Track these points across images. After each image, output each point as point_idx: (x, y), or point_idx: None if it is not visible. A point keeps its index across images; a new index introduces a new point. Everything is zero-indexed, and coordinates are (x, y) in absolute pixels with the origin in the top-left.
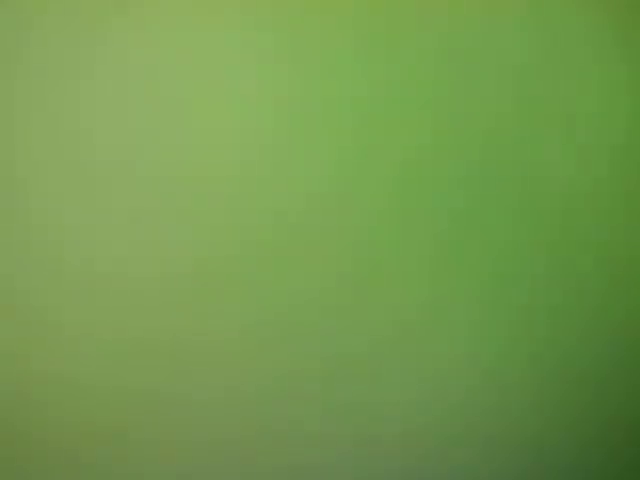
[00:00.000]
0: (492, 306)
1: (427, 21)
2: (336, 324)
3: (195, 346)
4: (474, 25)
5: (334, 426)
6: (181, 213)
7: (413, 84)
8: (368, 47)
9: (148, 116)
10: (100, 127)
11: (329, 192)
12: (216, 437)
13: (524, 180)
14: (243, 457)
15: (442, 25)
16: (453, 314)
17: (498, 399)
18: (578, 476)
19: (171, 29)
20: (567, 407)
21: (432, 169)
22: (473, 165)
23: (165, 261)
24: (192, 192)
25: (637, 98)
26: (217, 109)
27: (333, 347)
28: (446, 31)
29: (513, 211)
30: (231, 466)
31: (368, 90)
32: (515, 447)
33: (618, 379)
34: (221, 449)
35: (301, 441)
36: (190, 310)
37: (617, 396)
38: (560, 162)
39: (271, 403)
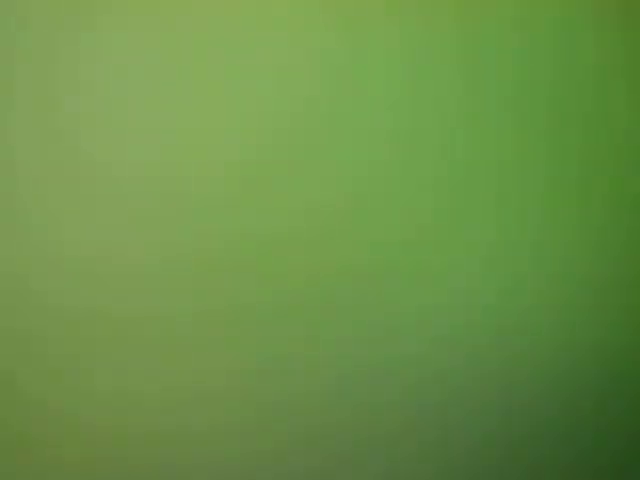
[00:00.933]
0: (498, 236)
1: (459, 22)
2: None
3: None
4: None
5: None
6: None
7: (435, 83)
8: (395, 45)
9: (152, 108)
10: (107, 115)
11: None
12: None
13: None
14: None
15: (463, 26)
16: (458, 239)
17: (497, 334)
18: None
19: (174, 28)
20: (572, 336)
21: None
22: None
23: (168, 252)
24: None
25: (636, 98)
26: (232, 107)
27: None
28: (458, 31)
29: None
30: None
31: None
32: (517, 380)
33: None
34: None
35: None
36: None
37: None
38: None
39: (284, 322)
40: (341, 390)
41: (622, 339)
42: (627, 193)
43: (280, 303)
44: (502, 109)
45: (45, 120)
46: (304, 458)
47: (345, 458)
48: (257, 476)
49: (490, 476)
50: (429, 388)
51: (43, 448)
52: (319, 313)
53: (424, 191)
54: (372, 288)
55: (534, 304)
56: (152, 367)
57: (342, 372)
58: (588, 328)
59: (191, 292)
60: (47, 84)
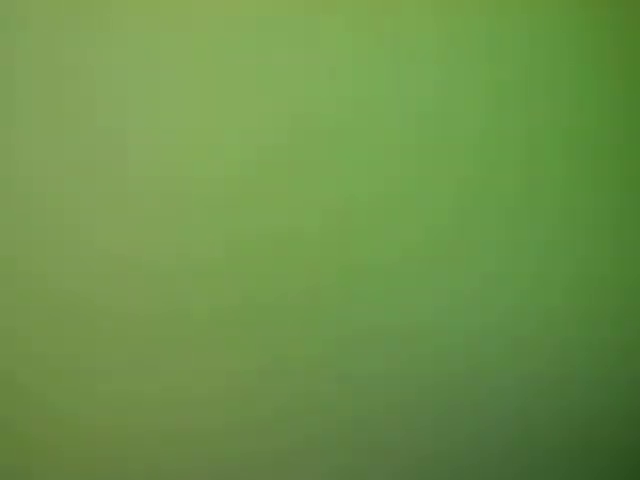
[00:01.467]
0: (523, 226)
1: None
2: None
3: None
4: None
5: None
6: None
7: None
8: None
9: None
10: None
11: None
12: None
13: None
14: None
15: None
16: (481, 234)
17: (513, 340)
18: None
19: (177, 27)
20: (593, 328)
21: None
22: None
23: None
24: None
25: (635, 104)
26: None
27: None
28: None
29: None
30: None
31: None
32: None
33: None
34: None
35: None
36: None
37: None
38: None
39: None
40: (350, 392)
41: None
42: None
43: (286, 303)
44: (518, 111)
45: (48, 119)
46: (307, 459)
47: (349, 460)
48: (259, 477)
49: None
50: (440, 392)
51: (44, 448)
52: (324, 313)
53: (438, 191)
54: (382, 289)
55: (552, 306)
56: (152, 366)
57: (351, 373)
58: (610, 330)
59: (195, 292)
60: (49, 84)
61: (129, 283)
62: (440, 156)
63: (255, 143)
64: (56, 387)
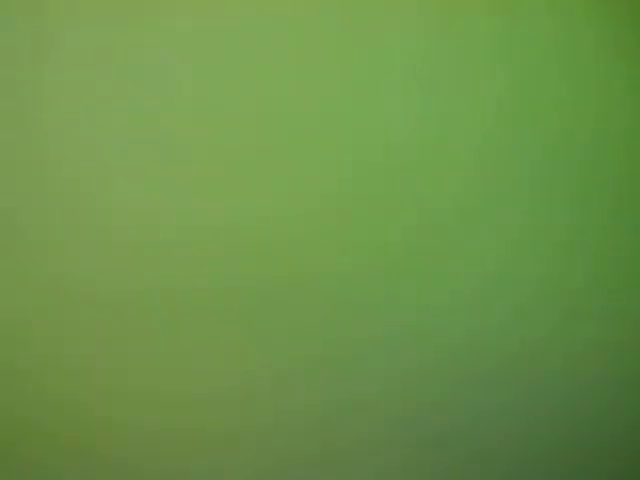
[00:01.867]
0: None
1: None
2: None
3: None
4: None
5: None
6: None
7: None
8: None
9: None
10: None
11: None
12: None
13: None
14: None
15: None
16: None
17: (522, 343)
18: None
19: (184, 23)
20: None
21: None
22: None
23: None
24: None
25: (637, 101)
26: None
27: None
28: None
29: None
30: None
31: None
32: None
33: None
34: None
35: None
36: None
37: None
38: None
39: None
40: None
41: None
42: None
43: (286, 304)
44: (542, 105)
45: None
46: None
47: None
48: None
49: None
50: (445, 393)
51: (43, 432)
52: (326, 314)
53: (445, 185)
54: (385, 287)
55: (566, 306)
56: (157, 360)
57: (352, 372)
58: (622, 329)
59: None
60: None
61: (133, 267)
62: (443, 154)
63: (251, 134)
64: (58, 375)
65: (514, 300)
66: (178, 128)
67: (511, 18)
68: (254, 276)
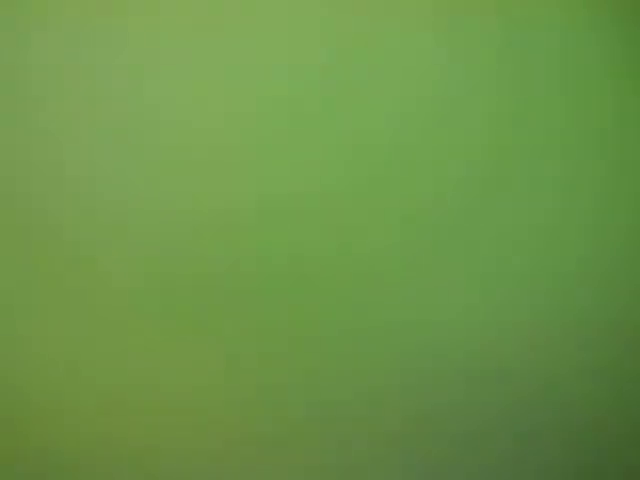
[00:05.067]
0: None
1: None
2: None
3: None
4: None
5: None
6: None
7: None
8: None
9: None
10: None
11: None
12: None
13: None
14: None
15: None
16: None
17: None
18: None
19: (178, 29)
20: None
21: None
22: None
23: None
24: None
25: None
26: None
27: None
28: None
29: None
30: None
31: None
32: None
33: None
34: None
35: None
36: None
37: None
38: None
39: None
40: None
41: None
42: None
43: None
44: (547, 101)
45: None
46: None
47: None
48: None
49: None
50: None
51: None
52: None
53: (446, 184)
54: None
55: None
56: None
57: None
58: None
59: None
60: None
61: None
62: (445, 153)
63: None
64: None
65: (515, 300)
66: (178, 121)
67: (514, 19)
68: (253, 262)
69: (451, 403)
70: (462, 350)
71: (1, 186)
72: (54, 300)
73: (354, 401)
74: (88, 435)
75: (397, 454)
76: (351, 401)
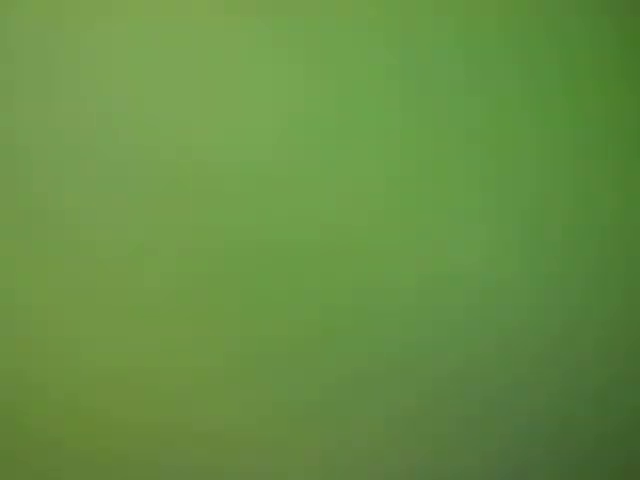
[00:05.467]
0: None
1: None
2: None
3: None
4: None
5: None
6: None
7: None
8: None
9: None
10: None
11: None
12: None
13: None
14: None
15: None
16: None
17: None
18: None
19: (178, 28)
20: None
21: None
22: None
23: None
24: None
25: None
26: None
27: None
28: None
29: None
30: None
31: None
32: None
33: None
34: None
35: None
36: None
37: None
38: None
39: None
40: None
41: None
42: None
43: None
44: (544, 107)
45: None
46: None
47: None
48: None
49: None
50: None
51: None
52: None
53: (444, 189)
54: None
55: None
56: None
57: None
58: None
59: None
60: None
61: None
62: (443, 159)
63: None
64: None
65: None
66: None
67: (518, 21)
68: (253, 244)
69: (451, 403)
70: (454, 352)
71: None
72: (54, 300)
73: (354, 401)
74: (88, 435)
75: (397, 450)
76: (351, 401)
